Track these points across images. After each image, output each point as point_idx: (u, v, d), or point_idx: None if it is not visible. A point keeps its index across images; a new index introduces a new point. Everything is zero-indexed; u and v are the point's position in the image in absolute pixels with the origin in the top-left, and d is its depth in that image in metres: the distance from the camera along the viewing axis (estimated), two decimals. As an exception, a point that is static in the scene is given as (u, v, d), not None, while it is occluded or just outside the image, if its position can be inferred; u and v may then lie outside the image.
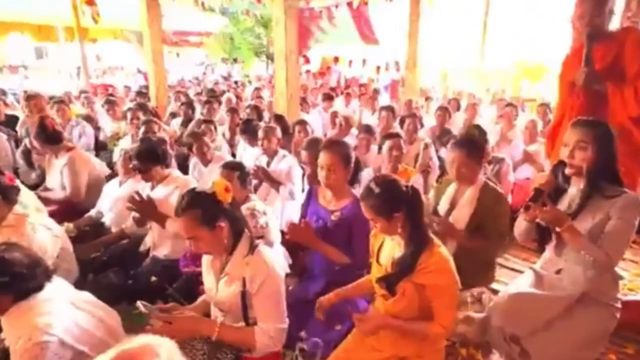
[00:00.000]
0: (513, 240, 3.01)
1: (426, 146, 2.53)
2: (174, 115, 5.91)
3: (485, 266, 2.30)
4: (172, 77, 11.89)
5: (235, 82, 11.23)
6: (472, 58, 10.26)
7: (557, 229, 1.74)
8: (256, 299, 1.59)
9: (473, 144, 2.25)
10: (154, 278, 2.36)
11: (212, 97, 6.60)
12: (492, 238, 2.17)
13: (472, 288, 2.19)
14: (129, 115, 4.58)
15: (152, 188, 2.61)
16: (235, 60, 14.24)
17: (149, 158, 2.52)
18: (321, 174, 2.10)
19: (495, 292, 2.14)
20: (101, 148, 4.99)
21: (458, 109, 6.30)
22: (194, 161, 3.65)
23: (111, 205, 3.03)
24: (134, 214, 2.59)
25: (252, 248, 1.65)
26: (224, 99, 6.59)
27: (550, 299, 1.82)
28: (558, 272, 1.86)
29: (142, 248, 2.69)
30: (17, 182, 2.26)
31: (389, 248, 1.69)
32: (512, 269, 2.89)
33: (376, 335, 1.69)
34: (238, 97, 7.55)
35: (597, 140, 1.69)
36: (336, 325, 1.97)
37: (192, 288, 2.25)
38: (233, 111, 5.15)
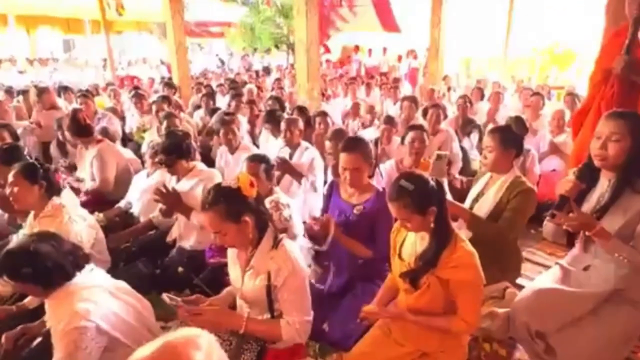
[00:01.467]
0: (539, 234, 2.98)
1: (439, 157, 2.43)
2: (197, 107, 5.99)
3: (510, 261, 2.27)
4: (195, 68, 12.02)
5: (257, 73, 11.25)
6: (496, 45, 9.95)
7: (587, 234, 1.70)
8: (281, 292, 1.62)
9: (509, 132, 2.22)
10: (180, 268, 2.41)
11: (234, 88, 6.65)
12: (499, 226, 2.11)
13: (497, 283, 2.16)
14: (154, 107, 4.67)
15: (178, 181, 2.67)
16: (255, 50, 14.26)
17: (174, 152, 2.57)
18: (344, 175, 2.09)
19: (520, 287, 2.11)
20: (127, 140, 5.12)
21: (482, 98, 6.15)
22: (220, 150, 3.69)
23: (139, 196, 3.13)
24: (160, 205, 2.66)
25: (277, 242, 1.66)
26: (245, 90, 6.64)
27: (578, 296, 1.78)
28: (586, 268, 1.82)
29: (169, 239, 2.77)
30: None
31: (411, 243, 1.67)
32: (538, 264, 2.84)
33: (399, 330, 1.70)
34: (259, 88, 7.58)
35: (633, 133, 1.63)
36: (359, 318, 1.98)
37: (217, 279, 2.30)
38: (252, 103, 5.16)
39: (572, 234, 1.87)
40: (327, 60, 12.61)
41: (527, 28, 10.55)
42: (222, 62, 13.86)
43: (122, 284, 1.76)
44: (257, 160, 2.44)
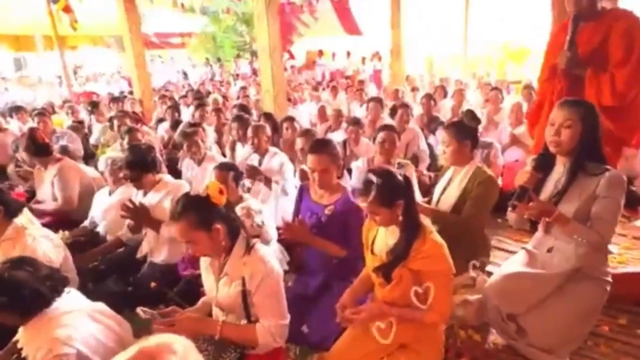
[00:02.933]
0: (506, 222, 3.10)
1: (400, 166, 2.52)
2: (160, 120, 5.87)
3: (479, 249, 2.34)
4: (157, 80, 11.75)
5: (221, 82, 11.12)
6: (456, 44, 10.28)
7: (547, 220, 1.79)
8: (256, 297, 1.62)
9: (462, 126, 2.30)
10: (153, 284, 2.35)
11: (199, 98, 6.57)
12: (462, 215, 2.19)
13: (466, 272, 2.24)
14: (115, 122, 4.54)
15: (144, 195, 2.62)
16: (218, 59, 14.10)
17: (140, 166, 2.52)
18: (313, 177, 2.12)
19: (490, 274, 2.18)
20: (90, 156, 4.96)
21: (445, 95, 6.34)
22: (186, 162, 3.65)
23: (103, 214, 3.02)
24: (128, 221, 2.59)
25: (249, 248, 1.66)
26: (210, 99, 6.56)
27: (544, 277, 1.86)
28: (549, 250, 1.91)
29: (139, 254, 2.69)
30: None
31: (382, 238, 1.71)
32: (506, 250, 2.93)
33: (376, 325, 1.72)
34: (224, 97, 7.51)
35: (584, 120, 1.72)
36: (337, 318, 1.99)
37: (192, 291, 2.26)
38: (218, 111, 5.10)
39: (534, 221, 1.96)
40: (292, 66, 12.65)
41: (483, 26, 10.98)
42: (185, 75, 13.58)
43: (101, 306, 1.70)
44: (225, 168, 2.42)
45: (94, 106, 6.07)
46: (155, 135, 5.05)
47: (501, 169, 3.77)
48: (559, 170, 1.85)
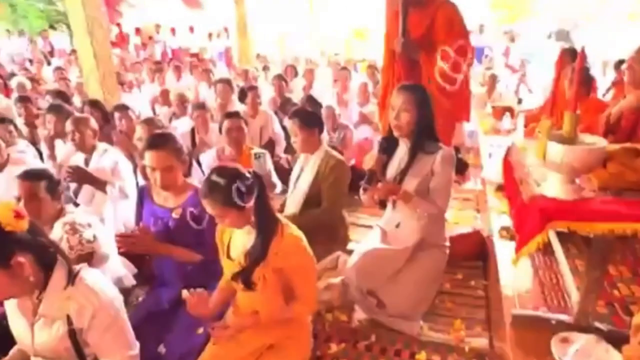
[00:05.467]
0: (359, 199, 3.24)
1: (257, 157, 2.44)
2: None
3: (338, 231, 2.39)
4: None
5: (30, 61, 9.04)
6: (306, 22, 10.37)
7: (394, 198, 1.96)
8: (91, 334, 1.34)
9: (307, 114, 2.29)
10: None
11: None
12: (324, 206, 2.24)
13: (328, 256, 2.26)
14: None
15: None
16: (21, 32, 11.35)
17: None
18: (154, 176, 1.83)
19: (351, 252, 2.24)
20: None
21: (296, 75, 6.35)
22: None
23: None
24: None
25: (73, 277, 1.35)
26: (13, 84, 5.18)
27: (395, 252, 2.01)
28: (397, 226, 2.08)
29: None
30: None
31: (239, 241, 1.58)
32: (364, 226, 3.08)
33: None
34: (34, 80, 6.04)
35: (418, 104, 1.87)
36: (198, 330, 1.80)
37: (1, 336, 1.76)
38: (25, 100, 4.00)
39: (383, 200, 2.10)
40: (123, 41, 11.05)
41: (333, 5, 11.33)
42: None
43: None
44: (33, 177, 1.91)
45: None
46: None
47: (355, 149, 3.94)
48: (402, 150, 2.00)
